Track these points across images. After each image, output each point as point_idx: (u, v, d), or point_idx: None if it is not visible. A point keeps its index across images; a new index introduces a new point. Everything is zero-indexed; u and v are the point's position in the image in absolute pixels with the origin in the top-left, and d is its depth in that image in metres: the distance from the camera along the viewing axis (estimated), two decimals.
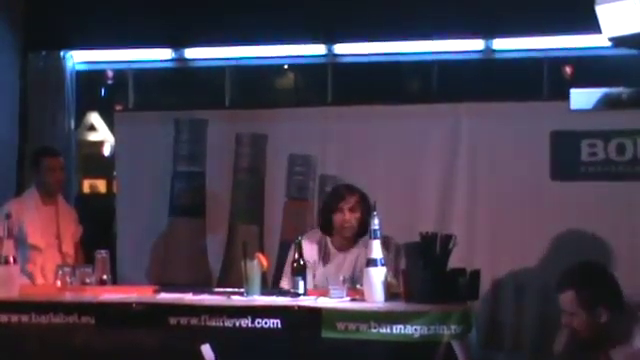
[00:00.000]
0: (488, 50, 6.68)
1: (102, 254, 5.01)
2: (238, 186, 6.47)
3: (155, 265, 6.47)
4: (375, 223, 4.36)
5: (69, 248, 5.65)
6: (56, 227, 5.62)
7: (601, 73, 6.51)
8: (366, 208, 4.93)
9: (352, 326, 4.16)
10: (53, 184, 5.63)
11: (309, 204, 6.32)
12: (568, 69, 6.95)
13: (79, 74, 7.19)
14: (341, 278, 4.58)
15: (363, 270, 4.71)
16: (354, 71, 7.00)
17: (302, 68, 7.40)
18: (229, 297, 4.50)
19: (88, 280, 4.88)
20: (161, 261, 6.48)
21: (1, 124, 6.98)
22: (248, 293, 4.49)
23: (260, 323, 4.21)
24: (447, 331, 4.08)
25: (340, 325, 4.16)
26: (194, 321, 4.27)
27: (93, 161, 8.93)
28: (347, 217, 5.00)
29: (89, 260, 5.17)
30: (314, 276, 4.97)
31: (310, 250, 5.01)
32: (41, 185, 5.63)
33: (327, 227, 5.10)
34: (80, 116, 7.49)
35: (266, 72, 7.44)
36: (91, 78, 7.53)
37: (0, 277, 4.61)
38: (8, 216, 4.70)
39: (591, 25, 5.37)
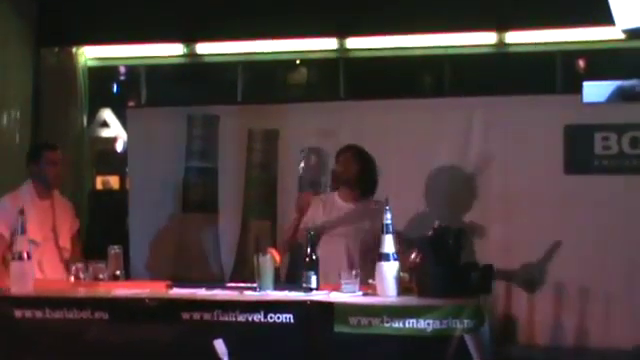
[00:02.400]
0: (500, 44, 6.66)
1: (115, 250, 5.01)
2: (251, 181, 6.48)
3: (168, 260, 6.48)
4: (388, 217, 4.34)
5: (66, 242, 5.63)
6: (52, 221, 5.59)
7: (615, 66, 6.49)
8: (362, 160, 5.32)
9: (364, 321, 4.14)
10: (52, 178, 5.61)
11: None
12: (581, 62, 6.91)
13: (91, 70, 7.20)
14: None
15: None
16: (366, 65, 6.99)
17: (314, 63, 7.39)
18: (242, 292, 4.49)
19: (101, 276, 4.88)
20: (174, 256, 6.49)
21: (14, 120, 7.00)
22: (261, 288, 4.48)
23: (273, 318, 4.20)
24: (460, 325, 4.06)
25: (352, 320, 4.15)
26: (207, 316, 4.27)
27: (106, 157, 8.94)
28: (339, 169, 5.35)
29: (90, 254, 5.17)
30: None
31: (315, 209, 5.31)
32: (40, 179, 5.61)
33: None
34: (93, 112, 7.50)
35: (278, 67, 7.43)
36: (103, 74, 7.55)
37: (15, 273, 4.62)
38: (21, 212, 4.71)
39: (604, 17, 5.35)
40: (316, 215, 5.30)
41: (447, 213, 6.04)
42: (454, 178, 6.18)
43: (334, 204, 5.33)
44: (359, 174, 5.31)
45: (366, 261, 4.93)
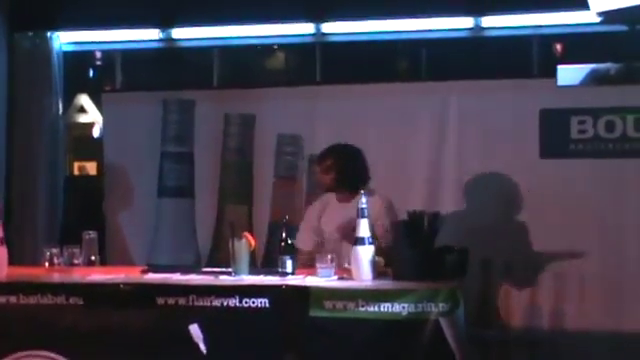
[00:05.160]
0: (477, 28, 6.64)
1: (90, 235, 4.98)
2: (227, 166, 6.46)
3: (144, 246, 6.46)
4: (362, 202, 4.34)
5: None
6: None
7: (590, 50, 6.49)
8: (342, 166, 5.21)
9: (340, 305, 4.14)
10: None
11: (297, 183, 6.32)
12: (557, 46, 6.92)
13: (66, 55, 7.13)
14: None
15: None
16: (342, 50, 6.96)
17: (290, 47, 7.35)
18: (217, 277, 4.49)
19: (76, 261, 4.84)
20: (150, 242, 6.47)
21: None
22: (236, 273, 4.48)
23: (248, 302, 4.20)
24: (435, 309, 4.06)
25: (328, 304, 4.15)
26: (182, 301, 4.25)
27: (83, 143, 8.88)
28: (319, 178, 5.32)
29: (66, 239, 5.10)
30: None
31: (311, 213, 5.33)
32: None
33: None
34: (69, 98, 7.44)
35: (254, 52, 7.40)
36: (79, 59, 7.47)
37: None
38: None
39: (580, 1, 5.36)
40: (314, 221, 5.29)
41: (424, 197, 6.06)
42: (430, 162, 6.19)
43: (330, 205, 5.31)
44: (340, 180, 5.24)
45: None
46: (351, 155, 5.30)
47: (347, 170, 5.24)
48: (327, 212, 5.28)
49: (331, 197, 5.32)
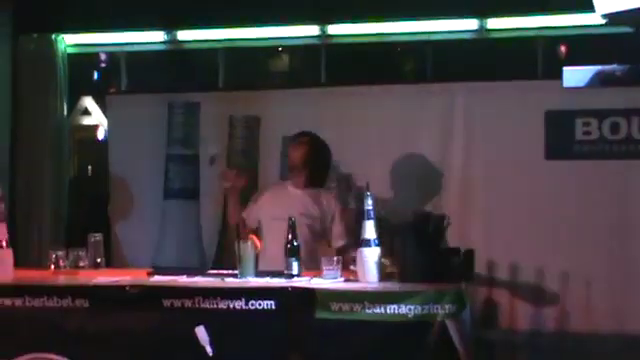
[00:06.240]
0: (482, 30, 6.64)
1: (95, 237, 5.00)
2: (232, 168, 6.44)
3: (149, 248, 6.46)
4: (368, 203, 4.34)
5: None
6: None
7: (596, 51, 6.49)
8: (313, 151, 5.30)
9: (346, 307, 4.14)
10: None
11: None
12: (563, 48, 6.92)
13: (71, 57, 7.13)
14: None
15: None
16: (348, 52, 6.97)
17: (295, 49, 7.37)
18: (223, 279, 4.49)
19: (82, 263, 4.86)
20: (155, 244, 6.47)
21: None
22: (242, 275, 4.48)
23: (254, 304, 4.19)
24: (441, 310, 4.06)
25: (334, 306, 4.14)
26: (188, 303, 4.25)
27: (88, 145, 8.88)
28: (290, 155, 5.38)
29: (72, 242, 5.10)
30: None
31: (262, 198, 5.40)
32: None
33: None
34: (74, 100, 7.45)
35: (259, 54, 7.40)
36: (83, 61, 7.48)
37: None
38: (1, 199, 4.67)
39: (585, 3, 5.36)
40: (262, 204, 5.34)
41: (429, 199, 6.06)
42: (436, 164, 6.19)
43: (284, 191, 5.33)
44: (307, 163, 5.28)
45: (310, 248, 5.00)
46: (323, 146, 5.38)
47: (316, 156, 5.33)
48: (280, 197, 5.30)
49: (286, 185, 5.39)
